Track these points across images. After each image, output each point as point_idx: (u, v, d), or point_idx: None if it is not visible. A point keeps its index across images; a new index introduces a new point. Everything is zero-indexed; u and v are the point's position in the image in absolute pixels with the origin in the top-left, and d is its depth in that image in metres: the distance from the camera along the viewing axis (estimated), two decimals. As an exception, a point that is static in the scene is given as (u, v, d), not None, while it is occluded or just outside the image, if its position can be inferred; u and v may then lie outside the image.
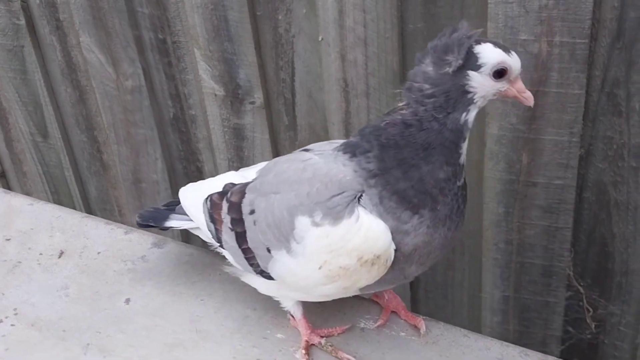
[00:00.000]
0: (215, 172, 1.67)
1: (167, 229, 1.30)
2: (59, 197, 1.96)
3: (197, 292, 1.25)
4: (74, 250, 1.35)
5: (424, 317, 1.19)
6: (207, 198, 1.21)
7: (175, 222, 1.29)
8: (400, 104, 1.00)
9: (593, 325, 1.44)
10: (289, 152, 1.54)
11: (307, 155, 1.09)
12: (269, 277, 1.11)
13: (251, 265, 1.13)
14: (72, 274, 1.31)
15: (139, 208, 1.83)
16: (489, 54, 0.95)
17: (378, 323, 1.19)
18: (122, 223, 1.89)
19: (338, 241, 1.00)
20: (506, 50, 0.96)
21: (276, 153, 1.57)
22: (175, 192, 1.75)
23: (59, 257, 1.34)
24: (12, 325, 1.23)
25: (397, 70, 1.33)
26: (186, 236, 1.82)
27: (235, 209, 1.13)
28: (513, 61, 0.97)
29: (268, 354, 1.15)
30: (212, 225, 1.19)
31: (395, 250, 0.99)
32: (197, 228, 1.25)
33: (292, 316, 1.17)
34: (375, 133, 1.00)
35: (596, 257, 1.36)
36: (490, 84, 0.97)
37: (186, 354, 1.16)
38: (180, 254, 1.26)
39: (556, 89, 1.22)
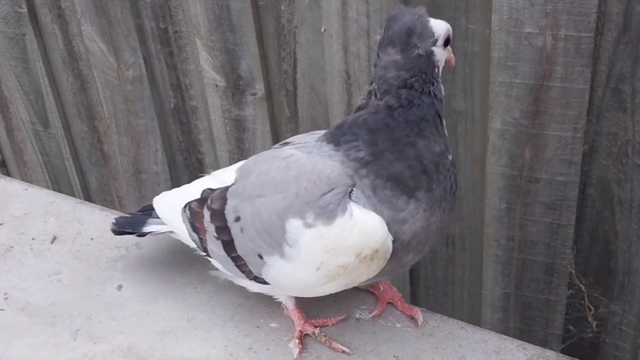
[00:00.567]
0: (216, 164, 1.66)
1: (145, 234, 1.26)
2: (59, 187, 1.95)
3: (190, 279, 1.24)
4: (67, 236, 1.34)
5: (420, 309, 1.17)
6: (185, 206, 1.16)
7: (154, 227, 1.24)
8: (363, 100, 1.00)
9: (594, 324, 1.43)
10: (290, 144, 1.53)
11: (288, 151, 1.06)
12: (264, 282, 1.08)
13: (243, 272, 1.09)
14: (64, 259, 1.30)
15: (140, 199, 1.82)
16: (439, 26, 0.98)
17: (373, 313, 1.17)
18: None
19: (334, 241, 0.98)
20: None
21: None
22: (175, 184, 1.74)
23: (52, 242, 1.32)
24: (1, 309, 1.22)
25: (399, 63, 1.31)
26: None
27: (218, 216, 1.09)
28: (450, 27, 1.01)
29: (261, 343, 1.14)
30: (195, 235, 1.15)
31: (393, 241, 0.98)
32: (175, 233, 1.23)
33: (286, 306, 1.15)
34: (357, 124, 0.98)
35: (599, 255, 1.35)
36: (442, 53, 0.99)
37: (177, 342, 1.15)
38: (174, 241, 1.25)
39: (560, 83, 1.20)
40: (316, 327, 1.15)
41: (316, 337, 1.14)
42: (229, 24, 1.44)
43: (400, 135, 0.96)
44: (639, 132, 1.20)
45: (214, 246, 1.11)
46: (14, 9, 1.69)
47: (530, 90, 1.23)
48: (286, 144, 1.10)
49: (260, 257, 1.05)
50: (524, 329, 1.49)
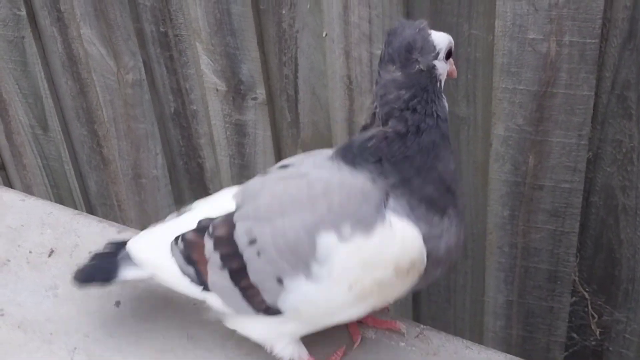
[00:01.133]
0: (216, 169, 1.64)
1: (115, 282, 1.14)
2: (58, 191, 1.94)
3: (189, 297, 1.22)
4: (65, 249, 1.32)
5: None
6: (177, 239, 1.07)
7: (129, 272, 1.12)
8: (368, 121, 0.98)
9: (598, 332, 1.41)
10: (292, 149, 1.52)
11: (303, 170, 1.02)
12: (274, 313, 1.01)
13: (251, 303, 1.01)
14: (61, 273, 1.27)
15: (139, 203, 1.81)
16: (440, 39, 0.95)
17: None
18: (121, 218, 1.88)
19: (373, 252, 0.94)
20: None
21: (278, 150, 1.54)
22: (175, 188, 1.73)
23: (49, 255, 1.30)
24: None
25: (402, 68, 1.30)
26: None
27: (226, 242, 1.02)
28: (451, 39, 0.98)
29: (262, 362, 1.10)
30: (190, 269, 1.06)
31: (428, 256, 0.95)
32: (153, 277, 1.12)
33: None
34: (368, 151, 0.96)
35: (602, 263, 1.33)
36: (444, 67, 0.97)
37: (177, 362, 1.12)
38: None
39: (565, 90, 1.19)
40: None
41: None
42: (230, 28, 1.43)
43: (420, 163, 0.95)
44: (644, 139, 1.19)
45: (218, 277, 1.03)
46: (13, 12, 1.68)
47: (534, 97, 1.21)
48: (286, 166, 1.06)
49: (280, 281, 0.98)
50: (526, 337, 1.48)
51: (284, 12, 1.37)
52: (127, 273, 1.12)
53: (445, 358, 1.11)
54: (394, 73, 0.94)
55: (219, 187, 1.67)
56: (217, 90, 1.52)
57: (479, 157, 1.33)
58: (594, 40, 1.13)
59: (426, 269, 0.96)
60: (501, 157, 1.29)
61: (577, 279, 1.37)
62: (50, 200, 1.96)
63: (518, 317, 1.46)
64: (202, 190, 1.71)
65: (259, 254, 0.99)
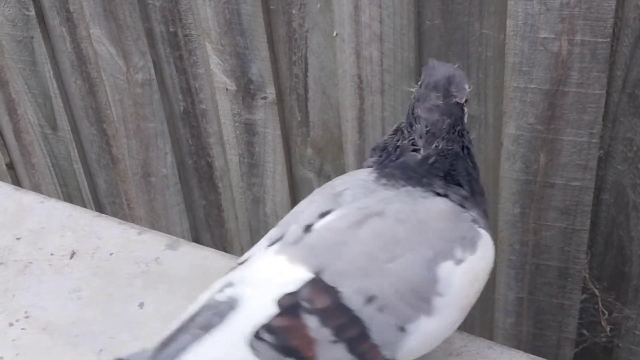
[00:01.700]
0: (226, 168, 1.65)
1: None
2: (67, 190, 1.95)
3: None
4: (86, 251, 1.32)
5: None
6: (257, 336, 0.89)
7: None
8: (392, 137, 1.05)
9: (608, 329, 1.42)
10: (301, 148, 1.52)
11: (374, 208, 0.96)
12: None
13: None
14: (84, 275, 1.27)
15: (148, 202, 1.82)
16: (467, 83, 1.03)
17: None
18: (130, 217, 1.89)
19: (479, 267, 0.97)
20: None
21: (288, 149, 1.55)
22: (185, 187, 1.74)
23: (71, 257, 1.31)
24: (22, 329, 1.20)
25: (413, 67, 1.30)
26: (196, 236, 1.80)
27: (335, 312, 0.90)
28: None
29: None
30: None
31: None
32: None
33: None
34: (434, 169, 1.01)
35: (613, 260, 1.34)
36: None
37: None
38: (194, 256, 1.23)
39: (576, 88, 1.19)
40: None
41: None
42: (240, 28, 1.43)
43: (476, 178, 1.03)
44: (655, 137, 1.19)
45: (331, 353, 0.90)
46: (22, 12, 1.68)
47: (546, 96, 1.22)
48: (328, 212, 0.98)
49: (402, 329, 0.92)
50: (537, 334, 1.48)
51: (294, 12, 1.37)
52: None
53: (467, 358, 1.12)
54: (437, 101, 1.00)
55: (229, 186, 1.68)
56: (226, 89, 1.52)
57: (489, 156, 1.33)
58: (605, 40, 1.14)
59: None
60: (512, 155, 1.29)
61: (587, 276, 1.38)
62: (60, 198, 1.97)
63: (528, 314, 1.47)
64: (212, 188, 1.71)
65: (381, 309, 0.91)
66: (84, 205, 1.94)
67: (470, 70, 1.27)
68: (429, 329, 0.93)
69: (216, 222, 1.77)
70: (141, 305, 1.22)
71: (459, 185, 1.01)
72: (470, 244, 0.96)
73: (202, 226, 1.80)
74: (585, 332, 1.44)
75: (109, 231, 1.37)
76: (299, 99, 1.47)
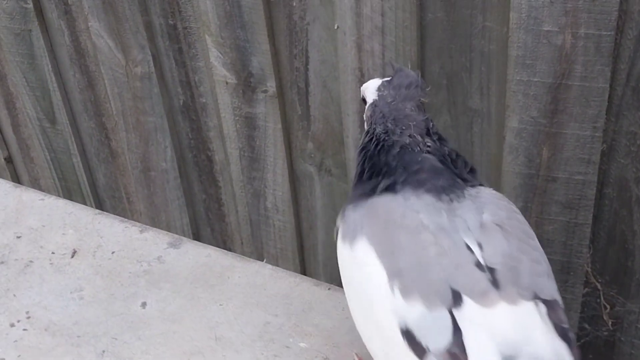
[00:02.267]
0: (226, 162, 1.64)
1: None
2: (66, 184, 1.94)
3: (216, 296, 1.20)
4: (88, 250, 1.31)
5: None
6: None
7: None
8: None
9: (610, 323, 1.41)
10: (302, 142, 1.52)
11: (491, 223, 0.91)
12: None
13: None
14: (85, 274, 1.26)
15: (148, 196, 1.81)
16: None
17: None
18: (130, 211, 1.88)
19: None
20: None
21: (288, 143, 1.54)
22: (184, 181, 1.73)
23: (72, 256, 1.30)
24: (24, 329, 1.19)
25: (415, 61, 1.29)
26: (196, 230, 1.80)
27: None
28: None
29: (291, 364, 1.10)
30: None
31: None
32: None
33: None
34: (466, 165, 1.02)
35: (615, 255, 1.33)
36: None
37: (205, 363, 1.12)
38: (197, 254, 1.22)
39: (580, 82, 1.18)
40: None
41: None
42: (240, 21, 1.42)
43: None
44: (659, 130, 1.19)
45: None
46: (20, 5, 1.67)
47: (549, 89, 1.21)
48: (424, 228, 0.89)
49: None
50: (538, 328, 1.48)
51: (294, 4, 1.36)
52: None
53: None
54: (423, 99, 1.03)
55: (229, 180, 1.67)
56: (226, 83, 1.51)
57: (492, 150, 1.32)
58: (609, 33, 1.13)
59: None
60: (515, 149, 1.29)
61: (589, 270, 1.37)
62: (59, 192, 1.96)
63: (530, 308, 1.46)
64: (212, 182, 1.70)
65: None
66: (83, 199, 1.93)
67: (472, 63, 1.26)
68: None
69: (216, 217, 1.76)
70: (144, 305, 1.21)
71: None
72: None
73: (202, 220, 1.79)
74: (587, 326, 1.44)
75: (111, 229, 1.35)
76: (299, 93, 1.46)
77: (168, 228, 1.81)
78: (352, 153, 1.46)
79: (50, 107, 1.80)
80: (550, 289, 0.88)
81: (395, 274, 0.83)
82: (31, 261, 1.29)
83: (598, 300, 1.40)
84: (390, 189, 0.93)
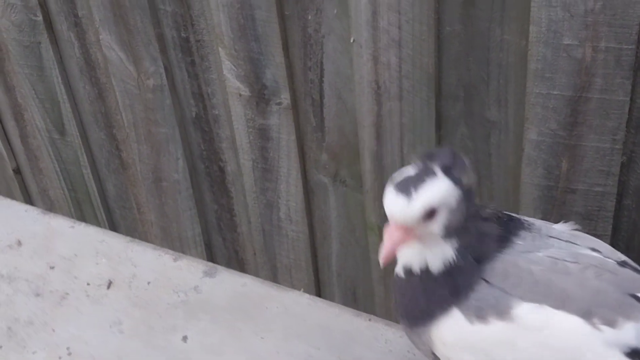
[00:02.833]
0: (238, 172, 1.63)
1: None
2: (76, 195, 1.93)
3: (256, 327, 1.16)
4: (123, 280, 1.27)
5: None
6: None
7: None
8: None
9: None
10: (316, 153, 1.51)
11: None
12: None
13: None
14: (123, 306, 1.23)
15: (159, 206, 1.80)
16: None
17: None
18: (141, 221, 1.87)
19: None
20: (402, 187, 0.89)
21: (302, 154, 1.53)
22: (196, 191, 1.72)
23: (108, 287, 1.27)
24: None
25: (432, 73, 1.29)
26: (208, 240, 1.78)
27: None
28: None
29: (334, 398, 1.08)
30: None
31: None
32: None
33: None
34: None
35: (634, 264, 1.33)
36: None
37: (250, 398, 1.09)
38: (233, 283, 1.19)
39: (600, 95, 1.18)
40: None
41: None
42: (254, 34, 1.41)
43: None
44: (678, 142, 1.18)
45: None
46: (29, 17, 1.66)
47: (568, 102, 1.21)
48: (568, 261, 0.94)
49: None
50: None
51: (309, 17, 1.36)
52: None
53: None
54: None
55: (241, 191, 1.66)
56: (240, 95, 1.50)
57: (509, 161, 1.32)
58: (630, 46, 1.12)
59: None
60: (533, 161, 1.28)
61: (607, 279, 1.37)
62: (68, 203, 1.95)
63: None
64: (224, 193, 1.70)
65: None
66: (93, 209, 1.92)
67: (490, 75, 1.26)
68: None
69: (228, 227, 1.76)
70: (184, 338, 1.19)
71: None
72: None
73: (213, 230, 1.78)
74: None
75: (144, 257, 1.32)
76: (314, 104, 1.46)
77: (179, 238, 1.81)
78: (368, 164, 1.46)
79: (59, 118, 1.79)
80: None
81: (584, 313, 0.86)
82: (67, 293, 1.26)
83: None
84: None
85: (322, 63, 1.40)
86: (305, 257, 1.67)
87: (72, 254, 1.34)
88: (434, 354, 0.94)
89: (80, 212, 1.93)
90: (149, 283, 1.19)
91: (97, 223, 1.91)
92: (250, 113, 1.52)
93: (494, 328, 0.88)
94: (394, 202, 0.88)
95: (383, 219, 0.92)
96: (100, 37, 1.59)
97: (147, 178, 1.77)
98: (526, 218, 1.03)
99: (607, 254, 0.97)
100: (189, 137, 1.65)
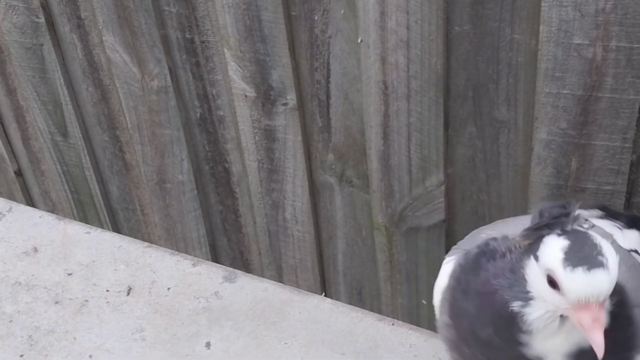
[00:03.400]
0: (243, 173, 1.63)
1: None
2: (79, 197, 1.92)
3: (279, 333, 1.15)
4: (142, 286, 1.26)
5: None
6: None
7: None
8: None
9: None
10: (323, 154, 1.51)
11: None
12: None
13: None
14: (144, 313, 1.21)
15: (164, 208, 1.79)
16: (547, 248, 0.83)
17: None
18: (145, 223, 1.87)
19: None
20: (580, 260, 0.79)
21: (308, 155, 1.53)
22: (201, 193, 1.72)
23: (127, 294, 1.27)
24: None
25: (440, 73, 1.28)
26: (213, 241, 1.77)
27: None
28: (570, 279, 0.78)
29: (359, 404, 1.07)
30: None
31: None
32: None
33: None
34: None
35: (643, 262, 1.34)
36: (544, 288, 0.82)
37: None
38: (254, 288, 1.18)
39: (610, 94, 1.18)
40: None
41: None
42: (260, 35, 1.40)
43: None
44: (687, 140, 1.19)
45: None
46: (31, 19, 1.64)
47: (579, 101, 1.20)
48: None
49: None
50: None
51: (316, 18, 1.35)
52: None
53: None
54: None
55: (246, 191, 1.66)
56: (245, 96, 1.50)
57: (519, 160, 1.32)
58: (641, 45, 1.12)
59: None
60: (543, 160, 1.28)
61: (616, 277, 1.37)
62: (70, 204, 1.94)
63: (556, 316, 1.46)
64: (229, 194, 1.69)
65: None
66: (96, 211, 1.91)
67: (500, 75, 1.25)
68: None
69: (233, 227, 1.75)
70: (208, 345, 1.17)
71: None
72: None
73: (218, 231, 1.78)
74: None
75: (162, 263, 1.31)
76: (320, 105, 1.45)
77: (184, 239, 1.80)
78: (375, 164, 1.45)
79: (62, 120, 1.78)
80: None
81: None
82: (86, 300, 1.24)
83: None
84: None
85: (328, 64, 1.39)
86: (311, 257, 1.66)
87: (89, 261, 1.33)
88: None
89: (83, 214, 1.93)
90: (168, 289, 1.18)
91: (100, 225, 1.90)
92: (256, 114, 1.51)
93: None
94: (591, 279, 0.77)
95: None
96: (104, 38, 1.58)
97: (151, 180, 1.76)
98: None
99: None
100: (193, 138, 1.65)
